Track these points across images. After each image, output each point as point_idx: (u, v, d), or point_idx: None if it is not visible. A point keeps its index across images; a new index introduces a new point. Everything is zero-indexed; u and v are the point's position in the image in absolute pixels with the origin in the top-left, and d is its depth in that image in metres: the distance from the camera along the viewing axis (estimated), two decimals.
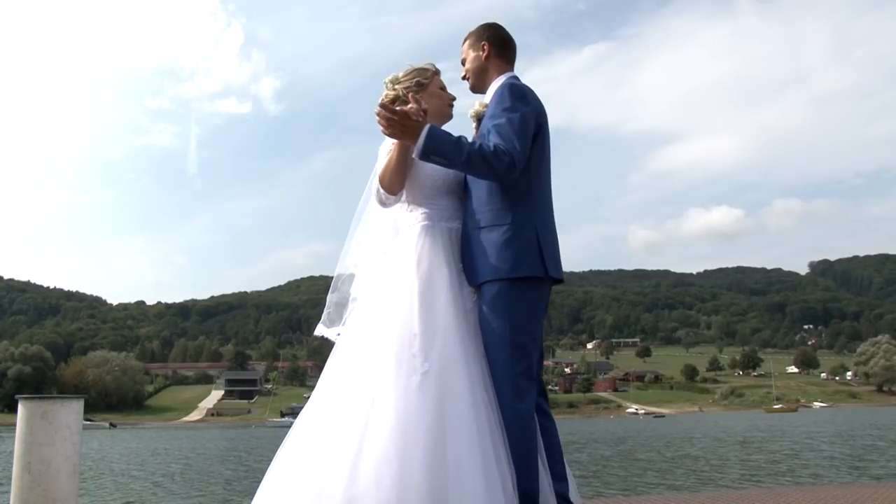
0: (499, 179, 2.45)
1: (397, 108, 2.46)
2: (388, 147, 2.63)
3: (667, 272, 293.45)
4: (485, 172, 2.43)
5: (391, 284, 2.54)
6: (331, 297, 2.87)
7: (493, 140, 2.44)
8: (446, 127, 2.73)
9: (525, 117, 2.46)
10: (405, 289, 2.48)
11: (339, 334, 2.78)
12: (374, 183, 2.66)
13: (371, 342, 2.45)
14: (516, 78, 2.67)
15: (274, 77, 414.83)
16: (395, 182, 2.57)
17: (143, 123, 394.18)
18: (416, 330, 2.39)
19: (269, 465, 2.33)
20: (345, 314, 2.81)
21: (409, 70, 2.76)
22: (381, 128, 2.49)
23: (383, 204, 2.64)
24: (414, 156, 2.48)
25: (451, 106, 2.80)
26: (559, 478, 2.56)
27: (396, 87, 2.74)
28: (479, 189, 2.55)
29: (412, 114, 2.45)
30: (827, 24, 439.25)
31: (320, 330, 2.85)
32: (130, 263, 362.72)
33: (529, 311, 2.45)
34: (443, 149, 2.40)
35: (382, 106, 2.46)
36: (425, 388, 2.30)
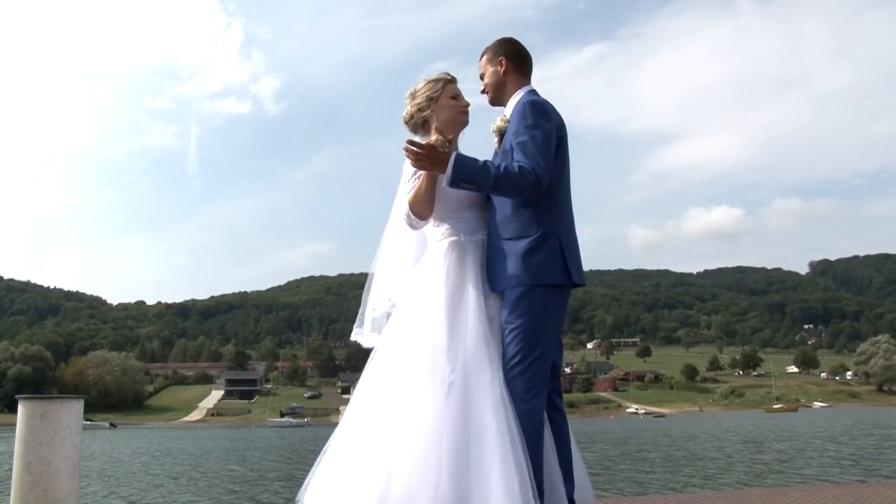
0: (526, 197, 2.58)
1: (423, 143, 2.62)
2: (412, 166, 2.73)
3: (667, 272, 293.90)
4: (512, 192, 2.56)
5: (421, 299, 2.67)
6: (364, 300, 2.98)
7: (517, 158, 2.56)
8: (464, 132, 2.87)
9: (547, 133, 2.57)
10: (434, 303, 2.61)
11: (359, 335, 2.93)
12: (403, 207, 2.76)
13: (402, 355, 2.60)
14: (535, 92, 2.76)
15: (274, 77, 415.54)
16: (424, 208, 2.70)
17: (142, 123, 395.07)
18: (444, 343, 2.54)
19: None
20: (376, 321, 2.93)
21: (423, 84, 2.86)
22: (410, 162, 2.63)
23: (413, 227, 2.76)
24: (444, 185, 2.61)
25: (466, 112, 2.86)
26: (565, 478, 2.61)
27: (417, 100, 2.85)
28: (504, 202, 2.66)
29: (438, 146, 2.61)
30: (827, 23, 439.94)
31: (355, 334, 2.97)
32: (130, 263, 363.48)
33: (549, 313, 2.57)
34: (471, 176, 2.54)
35: (409, 141, 2.60)
36: (451, 398, 2.45)
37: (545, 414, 2.63)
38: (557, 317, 2.61)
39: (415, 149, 2.58)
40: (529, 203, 2.60)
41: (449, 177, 2.55)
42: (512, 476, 2.33)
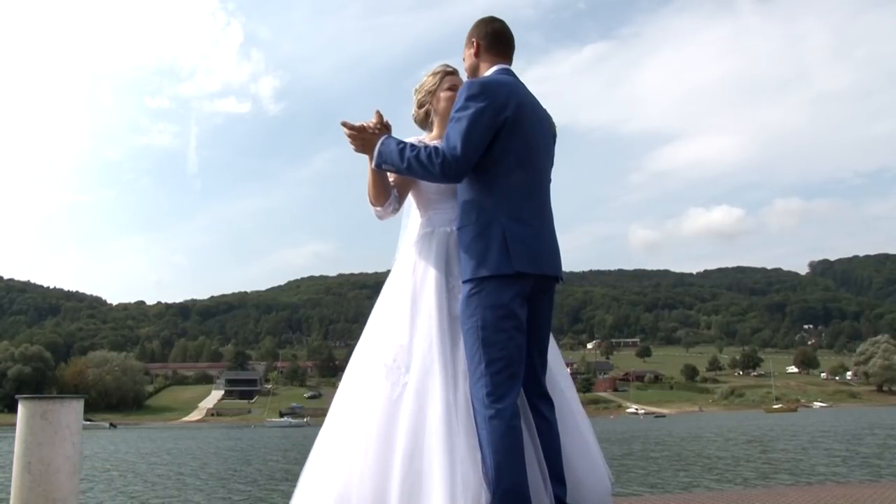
0: (440, 181, 2.48)
1: (356, 124, 2.56)
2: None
3: (667, 272, 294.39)
4: (424, 176, 2.46)
5: (388, 295, 2.62)
6: None
7: (443, 142, 2.46)
8: None
9: (475, 115, 2.39)
10: (398, 299, 2.55)
11: None
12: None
13: (365, 353, 2.56)
14: (504, 70, 2.60)
15: (273, 76, 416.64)
16: (376, 195, 2.63)
17: (142, 123, 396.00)
18: (403, 342, 2.46)
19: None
20: None
21: (425, 79, 2.82)
22: (350, 144, 2.58)
23: (378, 217, 2.69)
24: (371, 166, 2.56)
25: None
26: (556, 480, 2.49)
27: (418, 96, 2.82)
28: (459, 190, 2.57)
29: (368, 127, 2.55)
30: (827, 23, 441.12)
31: None
32: (130, 263, 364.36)
33: (499, 309, 2.37)
34: (390, 158, 2.47)
35: (343, 123, 2.56)
36: (404, 401, 2.37)
37: (527, 417, 2.50)
38: (510, 311, 2.38)
39: (348, 130, 2.54)
40: (470, 189, 2.47)
41: (374, 158, 2.51)
42: (456, 489, 2.23)
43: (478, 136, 2.39)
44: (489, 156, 2.43)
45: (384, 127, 2.58)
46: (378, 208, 2.65)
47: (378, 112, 2.60)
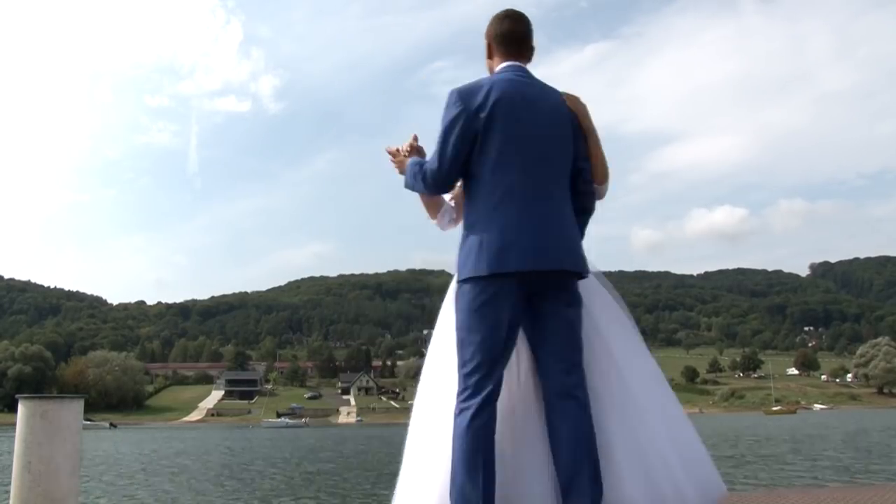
0: (433, 193, 2.60)
1: (392, 148, 2.73)
2: None
3: (667, 273, 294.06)
4: (425, 192, 2.61)
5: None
6: None
7: None
8: None
9: (448, 126, 2.42)
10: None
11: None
12: None
13: (442, 362, 2.58)
14: (509, 68, 2.53)
15: (273, 75, 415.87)
16: (429, 210, 2.74)
17: (142, 122, 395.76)
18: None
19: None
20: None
21: None
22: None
23: (440, 229, 2.76)
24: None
25: None
26: (564, 491, 2.27)
27: None
28: None
29: (400, 151, 2.71)
30: (830, 23, 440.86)
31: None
32: (130, 263, 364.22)
33: (474, 311, 2.36)
34: (406, 180, 2.61)
35: (387, 149, 2.74)
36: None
37: (541, 419, 2.39)
38: (486, 312, 2.34)
39: (389, 155, 2.72)
40: (465, 195, 2.52)
41: (404, 180, 2.64)
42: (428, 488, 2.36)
43: (452, 145, 2.41)
44: (474, 159, 2.43)
45: (413, 149, 2.68)
46: (434, 222, 2.73)
47: (414, 136, 2.72)
